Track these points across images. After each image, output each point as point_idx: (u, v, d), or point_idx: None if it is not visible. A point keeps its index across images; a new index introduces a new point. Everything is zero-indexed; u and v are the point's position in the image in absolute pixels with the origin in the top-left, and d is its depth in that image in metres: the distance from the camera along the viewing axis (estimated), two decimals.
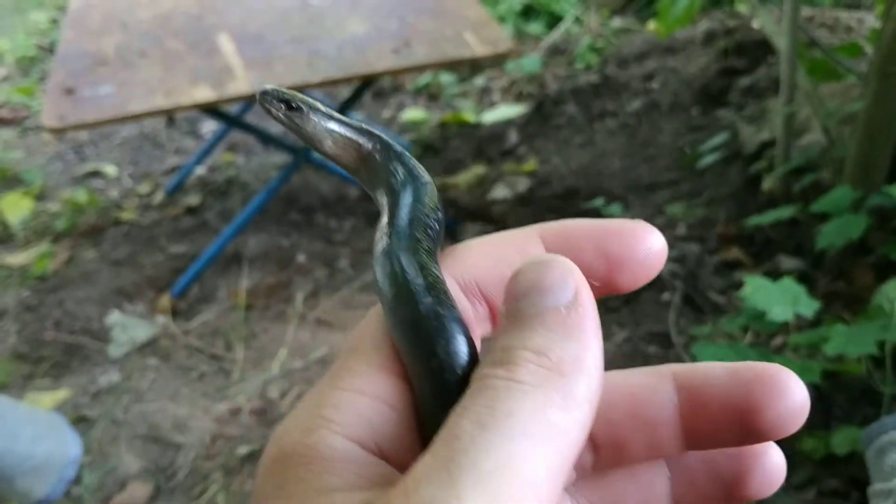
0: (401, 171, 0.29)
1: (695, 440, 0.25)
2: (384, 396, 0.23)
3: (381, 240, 0.26)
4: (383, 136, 0.31)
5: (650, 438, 0.25)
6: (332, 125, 0.30)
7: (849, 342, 1.15)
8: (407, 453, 0.22)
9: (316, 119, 0.30)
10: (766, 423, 0.24)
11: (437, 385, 0.22)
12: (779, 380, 0.24)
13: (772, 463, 0.26)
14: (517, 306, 0.22)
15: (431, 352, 0.22)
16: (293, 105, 0.30)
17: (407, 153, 0.30)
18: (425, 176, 0.29)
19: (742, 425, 0.24)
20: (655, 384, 0.25)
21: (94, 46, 2.01)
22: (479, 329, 0.26)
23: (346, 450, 0.22)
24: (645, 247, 0.26)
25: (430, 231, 0.26)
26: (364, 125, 0.31)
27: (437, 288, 0.23)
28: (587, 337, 0.21)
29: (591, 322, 0.22)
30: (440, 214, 0.27)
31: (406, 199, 0.27)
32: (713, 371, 0.25)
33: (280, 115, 0.31)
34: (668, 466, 0.27)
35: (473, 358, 0.23)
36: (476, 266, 0.26)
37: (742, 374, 0.24)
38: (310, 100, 0.31)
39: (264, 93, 0.31)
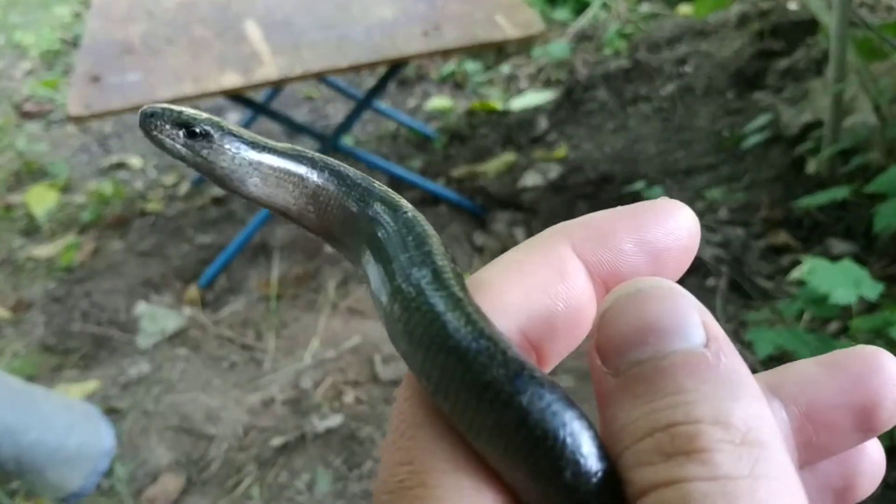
0: (379, 209, 0.21)
1: (810, 455, 0.22)
2: None
3: (410, 313, 0.18)
4: (329, 161, 0.23)
5: None
6: (257, 154, 0.22)
7: None
8: None
9: (233, 149, 0.22)
10: (887, 415, 0.21)
11: (575, 501, 0.17)
12: (884, 363, 0.21)
13: (876, 456, 0.24)
14: (635, 358, 0.17)
15: (559, 461, 0.16)
16: (196, 131, 0.22)
17: (366, 177, 0.22)
18: (405, 203, 0.22)
19: (862, 425, 0.21)
20: None
21: (121, 35, 1.98)
22: None
23: None
24: (685, 226, 0.22)
25: (459, 279, 0.19)
26: (299, 149, 0.23)
27: (526, 364, 0.17)
28: (749, 381, 0.17)
29: (740, 359, 0.18)
30: (447, 248, 0.21)
31: (410, 244, 0.20)
32: (811, 371, 0.22)
33: (178, 146, 0.22)
34: None
35: (604, 450, 0.17)
36: (512, 306, 0.20)
37: (848, 366, 0.21)
38: (219, 120, 0.22)
39: (150, 115, 0.22)
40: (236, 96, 1.81)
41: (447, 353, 0.17)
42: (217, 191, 2.27)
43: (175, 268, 1.96)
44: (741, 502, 0.15)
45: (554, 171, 2.13)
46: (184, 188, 2.33)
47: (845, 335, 1.26)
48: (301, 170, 0.22)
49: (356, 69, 1.82)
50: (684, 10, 2.74)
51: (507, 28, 1.82)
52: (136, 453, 1.43)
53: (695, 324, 0.18)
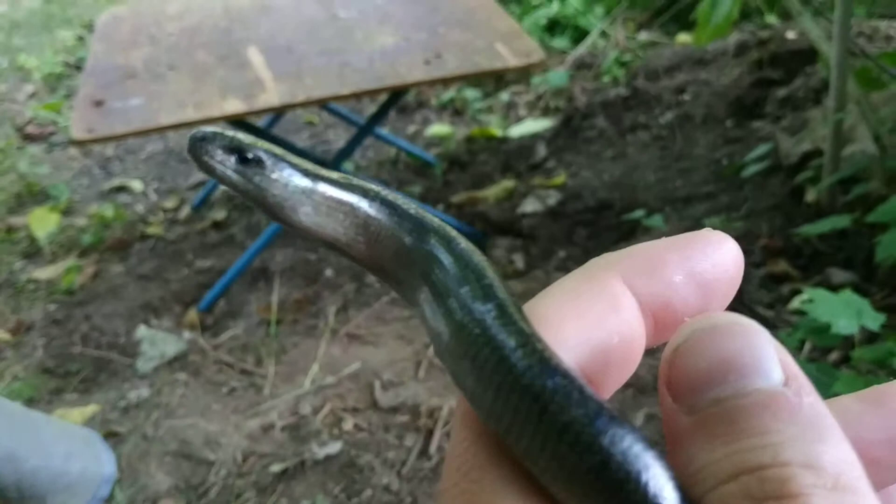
0: (434, 242, 0.21)
1: None
2: None
3: (476, 350, 0.18)
4: (384, 192, 0.22)
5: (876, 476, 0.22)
6: (311, 183, 0.21)
7: None
8: None
9: (285, 175, 0.21)
10: None
11: None
12: None
13: None
14: (713, 398, 0.17)
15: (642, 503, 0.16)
16: (249, 156, 0.21)
17: (418, 208, 0.22)
18: (459, 237, 0.21)
19: None
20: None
21: (123, 59, 2.00)
22: None
23: None
24: (731, 258, 0.22)
25: (521, 312, 0.19)
26: (354, 179, 0.22)
27: (604, 407, 0.17)
28: (832, 423, 0.17)
29: (820, 400, 0.17)
30: (501, 277, 0.20)
31: (469, 280, 0.20)
32: (853, 408, 0.21)
33: (228, 172, 0.21)
34: None
35: (683, 493, 0.16)
36: (567, 341, 0.20)
37: (889, 402, 0.21)
38: (273, 147, 0.22)
39: (201, 139, 0.22)
40: (238, 121, 1.82)
41: (521, 392, 0.17)
42: (218, 215, 2.27)
43: (175, 291, 1.96)
44: None
45: (553, 198, 2.14)
46: (185, 212, 2.34)
47: (847, 365, 1.26)
48: (353, 199, 0.22)
49: (358, 96, 1.83)
50: (683, 38, 2.77)
51: (508, 56, 1.84)
52: (135, 478, 1.42)
53: (774, 362, 0.17)
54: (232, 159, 0.21)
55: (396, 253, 0.21)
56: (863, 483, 0.16)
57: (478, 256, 0.20)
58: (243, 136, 0.21)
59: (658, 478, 0.16)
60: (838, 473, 0.16)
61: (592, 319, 0.20)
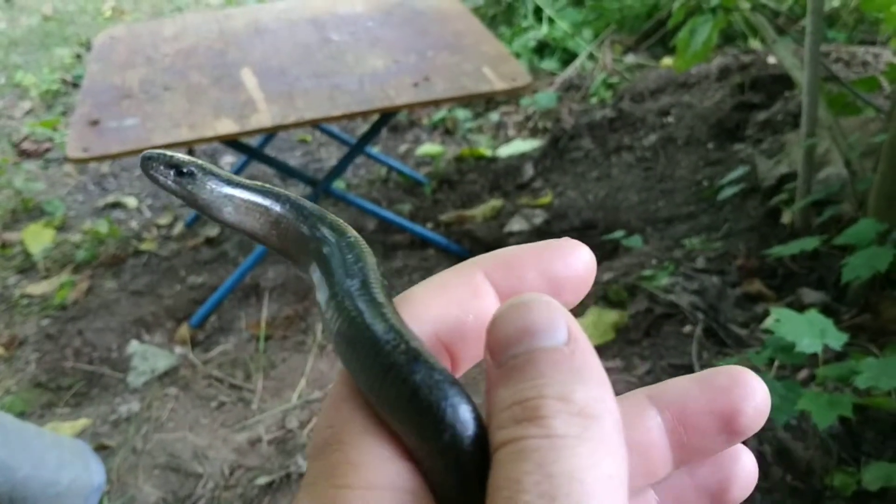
0: (326, 231, 0.27)
1: (683, 455, 0.26)
2: (401, 485, 0.21)
3: (339, 313, 0.23)
4: (291, 196, 0.28)
5: (645, 464, 0.25)
6: (231, 189, 0.28)
7: (881, 375, 1.13)
8: None
9: (211, 184, 0.27)
10: (746, 421, 0.25)
11: (454, 459, 0.21)
12: (747, 380, 0.25)
13: (748, 465, 0.28)
14: (512, 353, 0.21)
15: (440, 425, 0.20)
16: (184, 170, 0.27)
17: (320, 209, 0.28)
18: (351, 231, 0.27)
19: (726, 429, 0.25)
20: (638, 409, 0.26)
21: (119, 80, 2.04)
22: None
23: None
24: (582, 262, 0.26)
25: (384, 290, 0.24)
26: (267, 186, 0.28)
27: (421, 353, 0.21)
28: (597, 372, 0.21)
29: (593, 355, 0.21)
30: (382, 269, 0.26)
31: (348, 260, 0.25)
32: (685, 384, 0.26)
33: (169, 182, 0.28)
34: (655, 491, 0.27)
35: (480, 421, 0.21)
36: (429, 315, 0.25)
37: (714, 381, 0.25)
38: (203, 163, 0.28)
39: (148, 158, 0.28)
40: (231, 141, 1.86)
41: (363, 342, 0.22)
42: (210, 232, 2.32)
43: (167, 307, 1.99)
44: (564, 453, 0.19)
45: (539, 217, 2.19)
46: (178, 229, 2.38)
47: (814, 382, 1.31)
48: (266, 202, 0.28)
49: (348, 117, 1.88)
50: (668, 62, 2.84)
51: (494, 80, 1.89)
52: (124, 490, 1.46)
53: (560, 327, 0.21)
54: (171, 172, 0.27)
55: (298, 241, 0.27)
56: (606, 414, 0.20)
57: (359, 247, 0.26)
58: (181, 156, 0.28)
59: (455, 406, 0.20)
60: (585, 405, 0.20)
61: (452, 300, 0.25)
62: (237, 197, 0.28)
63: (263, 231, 0.28)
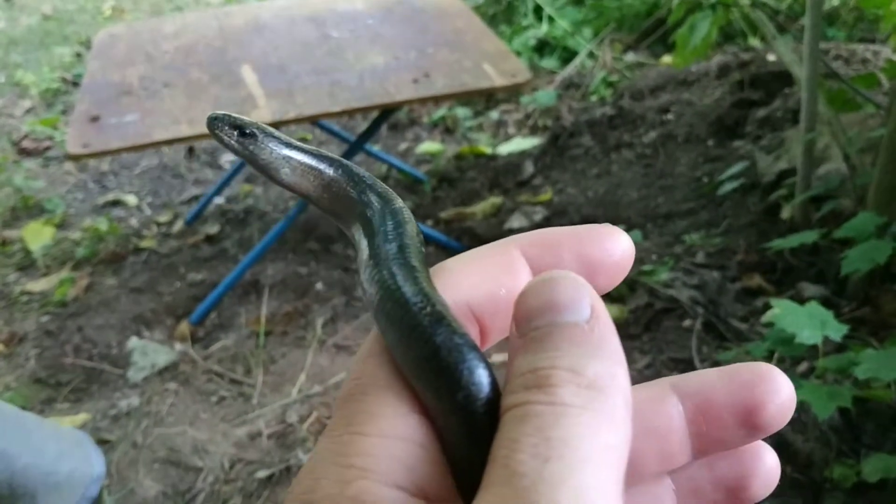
0: (373, 197, 0.28)
1: (702, 446, 0.26)
2: (412, 437, 0.22)
3: (373, 273, 0.24)
4: (345, 161, 0.29)
5: (662, 450, 0.26)
6: (290, 151, 0.29)
7: (880, 366, 1.13)
8: (443, 491, 0.22)
9: (272, 146, 0.29)
10: (768, 417, 0.25)
11: (465, 418, 0.21)
12: (773, 377, 0.25)
13: (770, 463, 0.27)
14: (535, 325, 0.22)
15: (456, 385, 0.21)
16: (247, 131, 0.29)
17: (372, 176, 0.29)
18: (398, 200, 0.28)
19: (746, 423, 0.25)
20: (660, 396, 0.26)
21: (120, 76, 2.05)
22: None
23: (392, 498, 0.21)
24: (620, 248, 0.26)
25: (420, 255, 0.25)
26: (324, 152, 0.30)
27: (446, 316, 0.22)
28: (614, 350, 0.21)
29: (613, 334, 0.22)
30: (422, 237, 0.27)
31: (388, 226, 0.26)
32: (710, 377, 0.26)
33: (232, 142, 0.29)
34: (672, 480, 0.27)
35: (495, 384, 0.22)
36: (463, 286, 0.25)
37: (739, 375, 0.26)
38: (265, 126, 0.29)
39: (215, 119, 0.29)
40: None
41: (393, 301, 0.23)
42: (210, 229, 2.32)
43: (167, 304, 1.99)
44: (565, 420, 0.19)
45: (539, 214, 2.19)
46: (178, 226, 2.38)
47: (813, 374, 1.31)
48: (321, 165, 0.29)
49: (348, 113, 1.88)
50: (667, 60, 2.84)
51: (494, 76, 1.89)
52: (124, 484, 1.46)
53: (584, 304, 0.22)
54: (235, 133, 0.29)
55: (348, 204, 0.28)
56: (615, 389, 0.21)
57: (403, 215, 0.27)
58: (244, 118, 0.29)
59: (472, 369, 0.21)
60: (595, 378, 0.20)
61: (487, 273, 0.26)
62: (294, 159, 0.29)
63: (316, 192, 0.29)
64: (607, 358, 0.21)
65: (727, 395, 0.25)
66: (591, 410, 0.20)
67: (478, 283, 0.25)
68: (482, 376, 0.21)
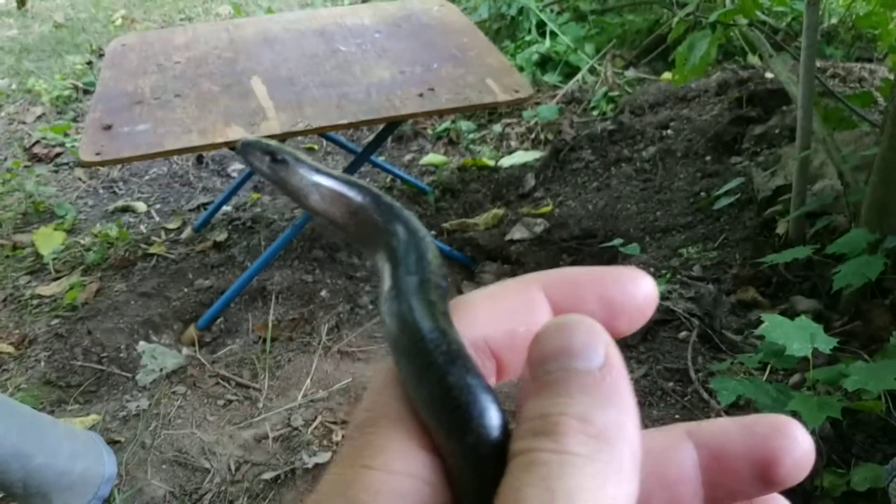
0: (399, 228, 0.28)
1: (715, 496, 0.25)
2: (419, 474, 0.22)
3: (392, 305, 0.24)
4: (373, 189, 0.30)
5: (673, 498, 0.25)
6: (319, 178, 0.29)
7: (869, 378, 1.17)
8: None
9: (302, 172, 0.29)
10: (784, 472, 0.24)
11: (474, 461, 0.21)
12: (791, 430, 0.25)
13: None
14: (546, 370, 0.22)
15: (466, 426, 0.21)
16: (278, 157, 0.29)
17: (399, 206, 0.30)
18: (423, 231, 0.28)
19: (762, 476, 0.25)
20: (675, 442, 0.25)
21: (132, 86, 2.09)
22: None
23: None
24: (643, 292, 0.26)
25: (440, 290, 0.25)
26: (352, 179, 0.30)
27: (461, 355, 0.22)
28: (625, 400, 0.21)
29: (625, 384, 0.21)
30: (445, 270, 0.27)
31: (411, 258, 0.26)
32: (727, 426, 0.26)
33: (264, 167, 0.30)
34: None
35: (507, 427, 0.21)
36: (482, 321, 0.25)
37: (757, 426, 0.25)
38: (295, 152, 0.30)
39: (247, 144, 0.30)
40: None
41: (409, 336, 0.23)
42: (218, 236, 2.36)
43: (175, 309, 2.04)
44: (570, 470, 0.19)
45: (540, 226, 2.24)
46: (186, 233, 2.43)
47: (805, 386, 1.35)
48: (350, 193, 0.29)
49: (355, 126, 1.93)
50: (668, 76, 2.89)
51: (497, 92, 1.94)
52: (133, 484, 1.50)
53: (599, 351, 0.21)
54: (267, 159, 0.30)
55: (374, 232, 0.29)
56: (623, 442, 0.20)
57: (427, 247, 0.28)
58: (277, 144, 0.30)
59: (484, 411, 0.21)
60: (604, 428, 0.20)
61: (506, 310, 0.26)
62: (324, 185, 0.29)
63: (344, 219, 0.30)
64: (617, 408, 0.21)
65: (743, 446, 0.25)
66: (597, 462, 0.20)
67: (497, 319, 0.25)
68: (493, 419, 0.21)
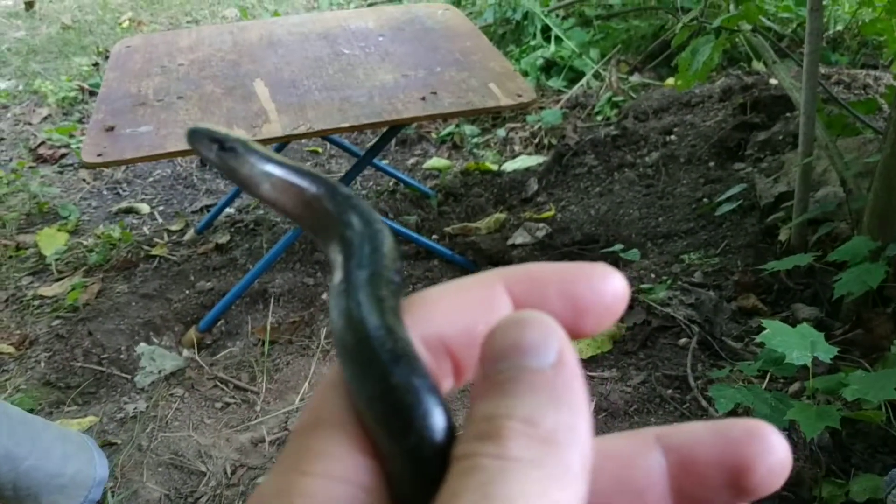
0: (354, 219, 0.26)
1: (682, 500, 0.24)
2: (356, 480, 0.21)
3: (339, 300, 0.23)
4: (328, 179, 0.29)
5: None
6: (271, 167, 0.28)
7: (869, 388, 1.16)
8: None
9: (252, 160, 0.28)
10: (758, 480, 0.23)
11: (414, 464, 0.20)
12: (766, 436, 0.23)
13: None
14: (497, 369, 0.20)
15: (407, 428, 0.20)
16: (226, 145, 0.28)
17: (356, 196, 0.28)
18: (380, 223, 0.26)
19: (733, 484, 0.23)
20: (642, 448, 0.24)
21: (135, 88, 2.10)
22: (444, 385, 0.24)
23: None
24: (612, 291, 0.24)
25: (392, 286, 0.24)
26: (306, 168, 0.29)
27: (407, 354, 0.21)
28: (577, 401, 0.20)
29: (579, 383, 0.20)
30: (400, 264, 0.25)
31: (364, 251, 0.25)
32: (699, 431, 0.24)
33: (211, 155, 0.28)
34: None
35: (451, 430, 0.20)
36: (438, 318, 0.24)
37: (729, 432, 0.23)
38: (245, 139, 0.29)
39: (194, 131, 0.29)
40: None
41: (353, 332, 0.22)
42: (220, 238, 2.36)
43: (176, 311, 2.04)
44: (511, 476, 0.18)
45: (542, 231, 2.23)
46: (189, 235, 2.43)
47: (804, 395, 1.34)
48: (303, 182, 0.28)
49: (357, 129, 1.93)
50: (672, 81, 2.88)
51: (500, 96, 1.93)
52: (128, 486, 1.49)
53: (551, 348, 0.20)
54: (215, 147, 0.28)
55: (328, 222, 0.28)
56: (572, 446, 0.19)
57: (382, 238, 0.26)
58: (225, 131, 0.29)
59: (427, 411, 0.20)
60: (552, 431, 0.19)
61: (466, 307, 0.24)
62: (275, 175, 0.28)
63: (297, 210, 0.28)
64: (568, 408, 0.20)
65: (715, 451, 0.23)
66: (541, 467, 0.19)
67: (455, 317, 0.24)
68: (437, 421, 0.20)
